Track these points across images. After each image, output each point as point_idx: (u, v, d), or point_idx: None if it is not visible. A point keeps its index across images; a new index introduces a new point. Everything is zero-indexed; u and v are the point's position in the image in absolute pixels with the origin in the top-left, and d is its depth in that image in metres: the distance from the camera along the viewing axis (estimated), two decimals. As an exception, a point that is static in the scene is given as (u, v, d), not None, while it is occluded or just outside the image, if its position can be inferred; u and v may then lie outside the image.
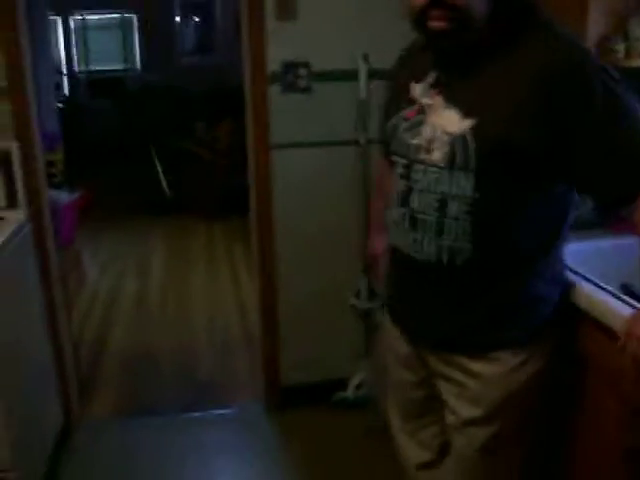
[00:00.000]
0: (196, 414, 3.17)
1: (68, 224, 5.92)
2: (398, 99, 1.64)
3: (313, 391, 3.11)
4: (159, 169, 6.99)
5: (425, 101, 1.54)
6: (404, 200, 1.58)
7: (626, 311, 1.51)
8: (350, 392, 3.07)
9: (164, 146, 7.09)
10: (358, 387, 3.07)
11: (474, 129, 1.43)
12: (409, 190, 1.57)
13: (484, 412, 1.62)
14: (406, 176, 1.58)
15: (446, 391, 1.69)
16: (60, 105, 8.61)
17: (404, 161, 1.58)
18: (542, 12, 1.50)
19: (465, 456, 1.71)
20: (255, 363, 3.34)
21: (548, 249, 1.59)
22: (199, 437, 2.98)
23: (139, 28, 9.40)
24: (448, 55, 1.53)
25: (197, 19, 9.30)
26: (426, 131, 1.52)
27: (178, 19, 9.25)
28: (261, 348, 3.14)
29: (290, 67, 2.72)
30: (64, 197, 5.86)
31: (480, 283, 1.56)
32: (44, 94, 6.58)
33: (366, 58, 2.73)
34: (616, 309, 1.55)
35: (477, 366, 1.60)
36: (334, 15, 2.72)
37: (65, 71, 9.39)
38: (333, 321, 3.07)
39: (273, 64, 2.72)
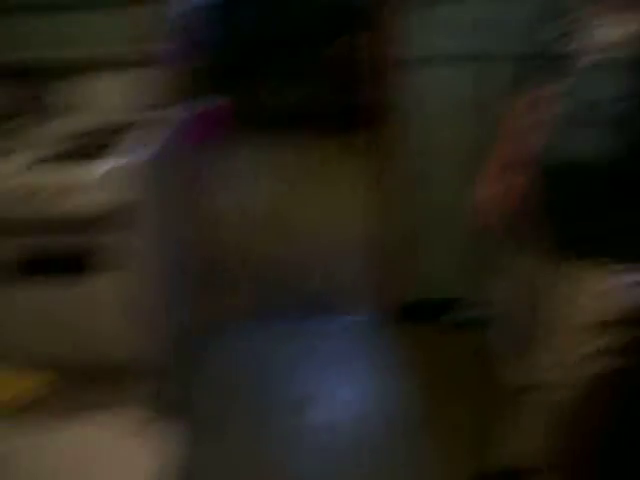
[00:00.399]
0: (314, 323, 3.29)
1: (205, 134, 6.08)
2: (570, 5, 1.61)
3: (429, 308, 3.14)
4: (287, 83, 7.01)
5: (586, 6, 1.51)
6: (565, 95, 1.57)
7: None
8: (465, 312, 3.08)
9: (293, 59, 7.08)
10: (474, 308, 3.06)
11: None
12: (573, 87, 1.55)
13: (613, 320, 1.57)
14: (572, 73, 1.55)
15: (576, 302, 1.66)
16: (201, 12, 8.71)
17: (573, 60, 1.55)
18: None
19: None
20: (374, 276, 3.40)
21: None
22: (314, 345, 3.10)
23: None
24: None
25: None
26: (601, 32, 1.49)
27: None
28: (381, 262, 3.18)
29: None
30: (202, 107, 6.00)
31: (626, 185, 1.53)
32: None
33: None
34: None
35: (619, 274, 1.57)
36: None
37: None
38: (456, 239, 3.04)
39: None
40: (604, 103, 1.47)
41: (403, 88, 2.80)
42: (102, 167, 2.18)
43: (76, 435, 1.08)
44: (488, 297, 2.94)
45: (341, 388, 2.82)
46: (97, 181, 2.14)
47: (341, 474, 2.32)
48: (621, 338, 1.59)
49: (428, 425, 2.51)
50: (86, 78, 2.66)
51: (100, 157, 2.22)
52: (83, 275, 2.25)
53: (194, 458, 2.23)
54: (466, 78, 2.78)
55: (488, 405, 2.45)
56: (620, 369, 1.58)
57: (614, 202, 1.56)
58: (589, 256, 1.63)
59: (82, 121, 2.64)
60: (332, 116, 6.45)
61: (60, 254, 2.23)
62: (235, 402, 2.71)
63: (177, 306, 2.89)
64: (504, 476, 1.99)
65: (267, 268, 3.88)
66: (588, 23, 1.50)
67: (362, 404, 2.70)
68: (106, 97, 2.69)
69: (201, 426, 2.56)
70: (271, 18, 8.35)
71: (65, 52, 2.66)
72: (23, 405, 1.27)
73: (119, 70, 2.65)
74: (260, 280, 3.75)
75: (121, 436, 1.06)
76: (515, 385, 1.94)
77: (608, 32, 1.45)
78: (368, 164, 3.26)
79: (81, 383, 2.39)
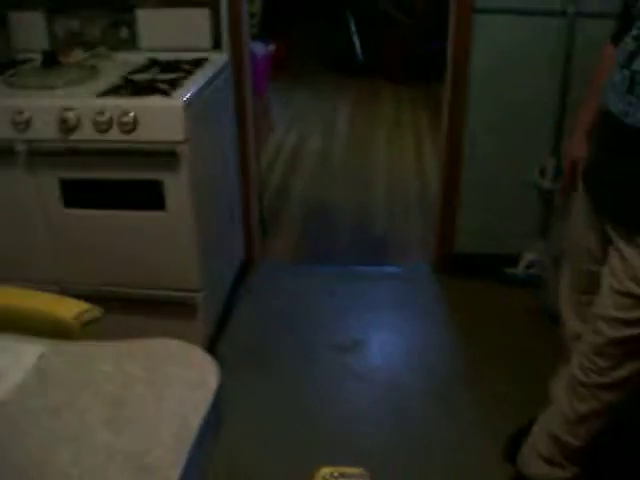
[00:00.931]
0: (366, 268, 3.30)
1: (261, 75, 6.10)
2: None
3: (484, 262, 3.11)
4: (354, 29, 6.92)
5: None
6: (628, 61, 1.54)
7: None
8: (520, 269, 3.05)
9: (361, 5, 6.97)
10: (529, 266, 3.04)
11: None
12: (636, 51, 1.52)
13: None
14: (637, 37, 1.52)
15: (615, 267, 1.66)
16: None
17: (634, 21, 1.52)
18: None
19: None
20: (430, 227, 3.38)
21: None
22: (365, 290, 3.11)
23: None
24: None
25: None
26: None
27: None
28: (438, 212, 3.16)
29: None
30: (259, 48, 6.01)
31: None
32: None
33: None
34: None
35: None
36: None
37: None
38: (514, 196, 3.00)
39: None
40: None
41: (475, 39, 2.74)
42: (157, 103, 2.20)
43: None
44: (545, 256, 2.94)
45: (387, 335, 2.84)
46: (152, 117, 2.17)
47: (369, 427, 2.33)
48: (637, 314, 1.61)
49: (467, 386, 2.50)
50: (149, 13, 2.68)
51: (156, 93, 2.24)
52: (149, 208, 2.30)
53: (237, 391, 2.32)
54: (539, 32, 2.71)
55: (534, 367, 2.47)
56: None
57: None
58: (626, 225, 1.62)
59: (142, 57, 2.66)
60: (409, 63, 6.37)
61: (128, 186, 2.28)
62: (282, 341, 2.76)
63: (228, 243, 2.95)
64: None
65: (324, 210, 3.89)
66: None
67: (406, 355, 2.71)
68: (164, 33, 2.70)
69: (247, 362, 2.63)
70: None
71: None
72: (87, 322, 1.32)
73: (179, 7, 2.65)
74: (316, 222, 3.77)
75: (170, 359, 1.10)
76: (570, 334, 1.95)
77: None
78: (438, 114, 3.22)
79: (137, 314, 2.50)
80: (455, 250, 3.16)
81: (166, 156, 2.19)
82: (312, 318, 2.92)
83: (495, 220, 3.07)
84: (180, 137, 2.17)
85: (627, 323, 1.63)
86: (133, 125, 2.17)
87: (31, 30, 2.75)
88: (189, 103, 2.20)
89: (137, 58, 2.65)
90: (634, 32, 1.55)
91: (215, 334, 2.70)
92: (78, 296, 2.43)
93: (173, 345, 1.15)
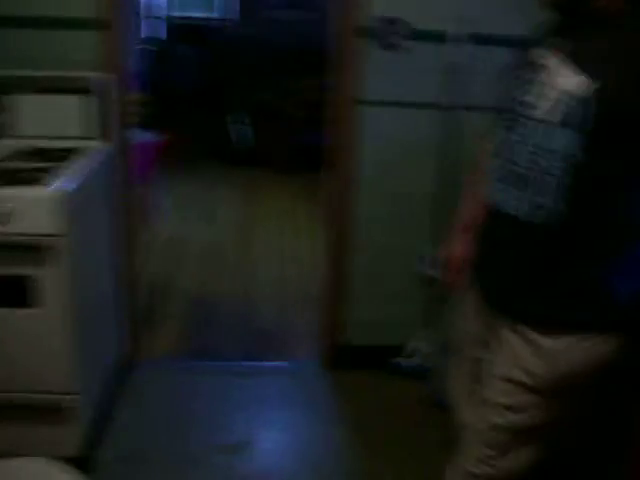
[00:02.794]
0: (252, 364, 3.21)
1: (147, 164, 6.01)
2: (520, 61, 1.65)
3: (373, 354, 3.09)
4: (238, 120, 7.01)
5: (543, 61, 1.53)
6: (500, 151, 1.61)
7: None
8: (408, 360, 3.05)
9: (245, 97, 7.10)
10: (416, 355, 3.04)
11: (592, 90, 1.40)
12: (507, 141, 1.59)
13: (532, 383, 1.59)
14: (508, 128, 1.59)
15: (501, 354, 1.67)
16: (150, 47, 8.73)
17: (511, 115, 1.59)
18: None
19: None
20: (315, 319, 3.34)
21: (635, 236, 1.53)
22: (252, 387, 3.01)
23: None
24: (573, 20, 1.52)
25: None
26: (539, 88, 1.51)
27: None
28: (322, 305, 3.14)
29: (384, 22, 2.66)
30: (146, 137, 5.95)
31: (558, 250, 1.54)
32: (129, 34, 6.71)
33: (462, 20, 2.64)
34: None
35: (539, 338, 1.57)
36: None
37: (156, 15, 9.46)
38: (401, 286, 3.03)
39: (366, 18, 2.66)
40: (547, 159, 1.47)
41: (360, 131, 2.80)
42: (35, 193, 2.08)
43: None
44: (433, 344, 2.95)
45: (275, 434, 2.73)
46: (28, 208, 2.05)
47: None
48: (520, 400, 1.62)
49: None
50: (28, 99, 2.57)
51: (33, 183, 2.12)
52: (20, 305, 2.15)
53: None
54: (417, 125, 2.81)
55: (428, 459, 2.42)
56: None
57: (542, 263, 1.57)
58: (510, 314, 1.64)
59: (18, 144, 2.54)
60: (296, 153, 6.48)
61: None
62: (165, 443, 2.60)
63: (106, 341, 2.79)
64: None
65: (209, 304, 3.79)
66: (544, 75, 1.52)
67: (294, 454, 2.62)
68: (44, 120, 2.60)
69: (128, 469, 2.45)
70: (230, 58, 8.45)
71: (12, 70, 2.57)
72: None
73: (62, 94, 2.57)
74: (201, 316, 3.65)
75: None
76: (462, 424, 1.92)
77: (559, 86, 1.46)
78: (321, 205, 3.24)
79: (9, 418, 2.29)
80: (344, 342, 3.13)
81: (39, 250, 2.06)
82: (196, 418, 2.77)
83: (382, 311, 3.07)
84: (55, 230, 2.06)
85: (511, 409, 1.63)
86: (8, 216, 2.04)
87: None
88: (65, 194, 2.09)
89: (16, 145, 2.53)
90: (505, 123, 1.61)
91: (94, 439, 2.50)
92: None
93: (39, 465, 1.02)
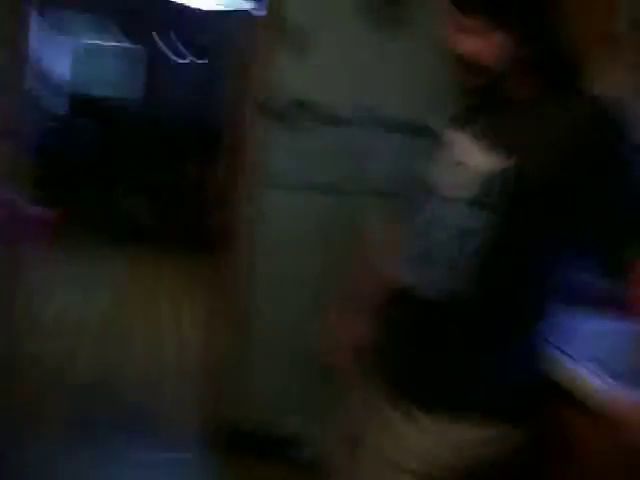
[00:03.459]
0: (136, 453, 2.98)
1: (35, 240, 5.73)
2: (429, 142, 1.64)
3: (263, 442, 2.94)
4: (134, 198, 6.87)
5: (456, 139, 1.52)
6: (417, 233, 1.55)
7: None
8: (302, 451, 2.91)
9: (141, 175, 7.00)
10: (310, 447, 2.90)
11: (505, 167, 1.39)
12: (423, 223, 1.53)
13: (417, 468, 1.49)
14: (420, 208, 1.55)
15: (381, 437, 1.58)
16: (48, 122, 8.53)
17: (422, 195, 1.55)
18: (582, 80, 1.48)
19: None
20: (203, 402, 3.17)
21: (541, 316, 1.51)
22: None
23: (135, 59, 9.36)
24: (485, 102, 1.53)
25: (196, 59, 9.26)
26: (450, 167, 1.49)
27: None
28: (212, 386, 2.98)
29: (292, 105, 2.65)
30: (34, 212, 5.69)
31: (461, 331, 1.48)
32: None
33: (373, 106, 2.66)
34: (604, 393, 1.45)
35: (434, 425, 1.48)
36: (347, 56, 2.67)
37: (58, 89, 9.30)
38: (295, 372, 2.92)
39: (272, 99, 2.64)
40: (458, 239, 1.44)
41: (250, 214, 2.74)
42: None
43: None
44: (325, 434, 2.82)
45: None
46: None
47: None
48: None
49: None
50: None
51: None
52: None
53: None
54: (317, 208, 2.79)
55: None
56: None
57: (443, 347, 1.51)
58: (403, 392, 1.56)
59: None
60: (179, 235, 6.35)
61: None
62: None
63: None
64: None
65: (87, 383, 3.53)
66: (455, 154, 1.51)
67: None
68: None
69: None
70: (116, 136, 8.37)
71: None
72: None
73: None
74: (76, 396, 3.39)
75: None
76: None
77: (470, 165, 1.45)
78: (210, 286, 3.12)
79: None
80: (231, 429, 2.96)
81: None
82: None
83: (276, 397, 2.95)
84: None
85: None
86: None
87: None
88: None
89: None
90: (416, 203, 1.58)
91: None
92: None
93: None
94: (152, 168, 6.96)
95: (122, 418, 3.26)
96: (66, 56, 9.42)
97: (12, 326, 2.83)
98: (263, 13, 2.62)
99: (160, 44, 8.92)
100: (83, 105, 9.28)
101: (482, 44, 1.42)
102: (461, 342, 1.49)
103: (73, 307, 4.78)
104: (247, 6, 2.74)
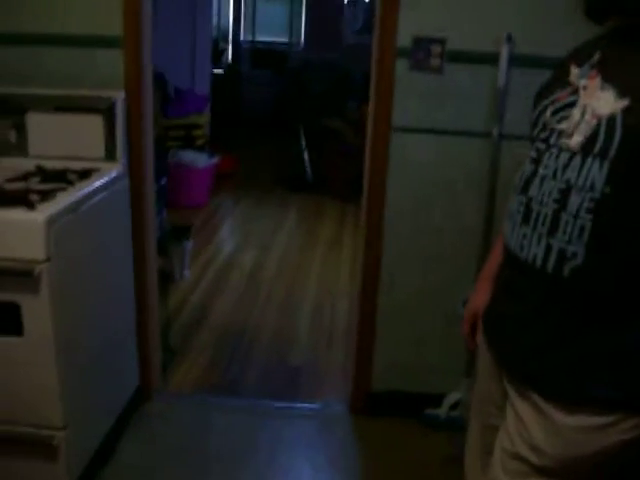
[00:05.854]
0: (276, 403, 2.99)
1: (202, 186, 5.96)
2: (554, 84, 1.40)
3: (404, 401, 2.84)
4: (304, 146, 6.88)
5: (581, 82, 1.30)
6: (524, 187, 1.35)
7: None
8: (443, 411, 2.77)
9: (313, 123, 6.97)
10: (453, 407, 2.76)
11: (626, 111, 1.18)
12: (533, 175, 1.33)
13: (539, 463, 1.32)
14: (535, 160, 1.34)
15: (509, 424, 1.41)
16: (221, 71, 8.78)
17: (541, 145, 1.34)
18: None
19: None
20: (350, 361, 3.09)
21: None
22: (275, 428, 2.80)
23: (307, 4, 9.35)
24: (614, 33, 1.29)
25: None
26: (574, 114, 1.27)
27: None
28: (355, 345, 2.90)
29: (422, 43, 2.44)
30: (202, 160, 5.90)
31: (583, 309, 1.26)
32: (199, 58, 6.73)
33: (510, 39, 2.38)
34: None
35: (552, 411, 1.30)
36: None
37: (230, 39, 9.53)
38: (436, 329, 2.77)
39: (403, 38, 2.44)
40: (580, 198, 1.22)
41: (394, 160, 2.58)
42: (17, 217, 1.95)
43: None
44: (467, 395, 2.67)
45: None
46: (9, 232, 1.93)
47: None
48: None
49: None
50: (42, 117, 2.47)
51: (21, 206, 1.98)
52: (5, 333, 2.02)
53: None
54: (463, 153, 2.56)
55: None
56: None
57: (566, 322, 1.30)
58: (522, 379, 1.38)
59: (30, 163, 2.43)
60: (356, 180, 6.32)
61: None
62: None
63: (116, 372, 2.64)
64: None
65: (240, 335, 3.60)
66: (582, 99, 1.27)
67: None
68: (59, 140, 2.49)
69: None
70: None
71: (27, 88, 2.49)
72: None
73: (78, 113, 2.46)
74: (229, 348, 3.47)
75: None
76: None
77: (599, 111, 1.21)
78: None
79: None
80: (374, 387, 2.88)
81: (23, 276, 1.92)
82: (206, 459, 2.58)
83: (416, 355, 2.81)
84: (40, 256, 1.92)
85: None
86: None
87: None
88: (54, 218, 1.95)
89: (25, 165, 2.42)
90: (532, 154, 1.36)
91: (88, 476, 2.35)
92: None
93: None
94: (321, 115, 6.90)
95: (266, 370, 3.29)
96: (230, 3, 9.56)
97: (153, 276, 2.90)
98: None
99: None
100: (256, 55, 9.45)
101: None
102: (586, 320, 1.28)
103: (235, 257, 4.90)
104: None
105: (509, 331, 1.42)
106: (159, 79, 5.59)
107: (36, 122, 2.47)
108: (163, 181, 4.46)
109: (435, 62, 2.46)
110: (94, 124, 2.45)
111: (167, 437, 2.71)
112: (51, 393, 2.07)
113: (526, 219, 1.33)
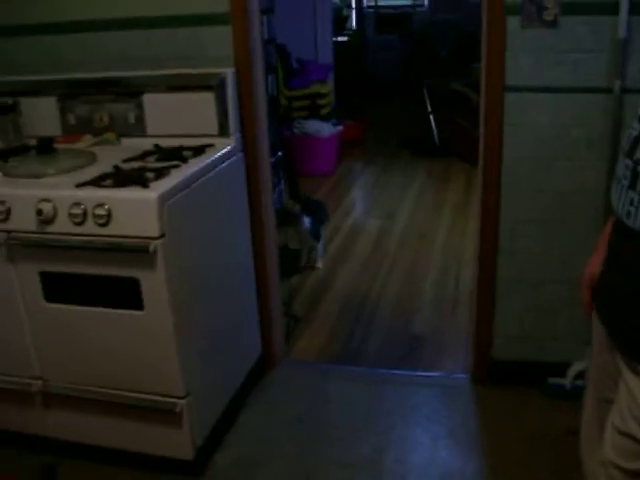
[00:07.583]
0: (397, 372, 2.98)
1: (328, 155, 5.99)
2: None
3: (526, 370, 2.76)
4: (430, 109, 6.74)
5: None
6: (631, 149, 1.26)
7: None
8: (568, 380, 2.66)
9: (438, 86, 6.81)
10: (578, 376, 2.64)
11: None
12: (635, 136, 1.25)
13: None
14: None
15: (621, 400, 1.34)
16: (345, 39, 8.75)
17: None
18: None
19: None
20: (471, 329, 3.03)
21: None
22: (392, 397, 2.80)
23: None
24: None
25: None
26: None
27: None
28: (474, 313, 2.84)
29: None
30: (327, 129, 5.92)
31: None
32: (321, 28, 6.74)
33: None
34: None
35: None
36: None
37: (354, 5, 9.45)
38: (559, 296, 2.64)
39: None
40: None
41: (509, 120, 2.48)
42: (132, 195, 2.03)
43: None
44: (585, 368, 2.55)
45: (405, 455, 2.48)
46: (126, 210, 2.01)
47: None
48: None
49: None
50: (157, 97, 2.57)
51: (137, 184, 2.06)
52: (127, 307, 2.13)
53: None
54: (583, 111, 2.41)
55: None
56: None
57: None
58: (631, 351, 1.30)
59: (149, 143, 2.53)
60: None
61: (106, 282, 2.12)
62: (285, 453, 2.49)
63: (238, 341, 2.72)
64: None
65: (363, 304, 3.62)
66: None
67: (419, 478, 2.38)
68: (174, 119, 2.57)
69: (239, 473, 2.39)
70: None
71: (142, 70, 2.59)
72: None
73: (186, 91, 2.52)
74: (352, 316, 3.49)
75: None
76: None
77: None
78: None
79: (122, 417, 2.30)
80: (495, 355, 2.80)
81: (141, 253, 2.01)
82: (325, 427, 2.63)
83: (538, 323, 2.71)
84: (154, 232, 1.99)
85: (627, 474, 1.29)
86: (107, 218, 2.01)
87: (43, 116, 2.69)
88: (166, 196, 2.02)
89: (143, 144, 2.53)
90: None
91: (211, 442, 2.45)
92: (60, 396, 2.27)
93: None
94: (448, 78, 6.73)
95: (389, 339, 3.29)
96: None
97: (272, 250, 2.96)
98: None
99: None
100: (380, 19, 9.32)
101: None
102: None
103: (361, 224, 4.90)
104: None
105: (618, 303, 1.34)
106: (281, 52, 5.65)
107: (151, 102, 2.57)
108: (280, 153, 4.51)
109: (549, 15, 2.31)
110: (206, 101, 2.51)
111: (288, 405, 2.77)
112: (171, 364, 2.17)
113: (633, 184, 1.23)
